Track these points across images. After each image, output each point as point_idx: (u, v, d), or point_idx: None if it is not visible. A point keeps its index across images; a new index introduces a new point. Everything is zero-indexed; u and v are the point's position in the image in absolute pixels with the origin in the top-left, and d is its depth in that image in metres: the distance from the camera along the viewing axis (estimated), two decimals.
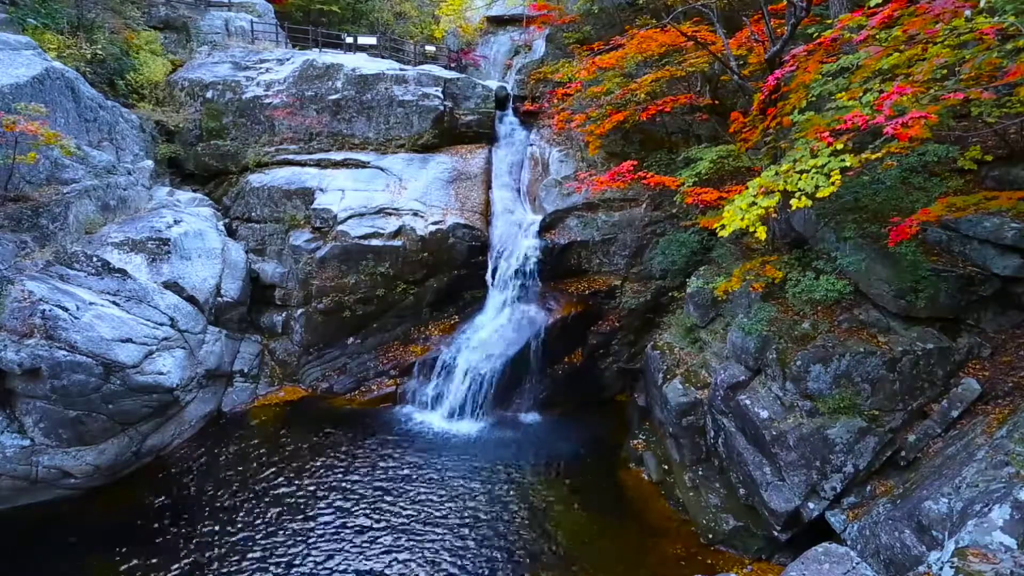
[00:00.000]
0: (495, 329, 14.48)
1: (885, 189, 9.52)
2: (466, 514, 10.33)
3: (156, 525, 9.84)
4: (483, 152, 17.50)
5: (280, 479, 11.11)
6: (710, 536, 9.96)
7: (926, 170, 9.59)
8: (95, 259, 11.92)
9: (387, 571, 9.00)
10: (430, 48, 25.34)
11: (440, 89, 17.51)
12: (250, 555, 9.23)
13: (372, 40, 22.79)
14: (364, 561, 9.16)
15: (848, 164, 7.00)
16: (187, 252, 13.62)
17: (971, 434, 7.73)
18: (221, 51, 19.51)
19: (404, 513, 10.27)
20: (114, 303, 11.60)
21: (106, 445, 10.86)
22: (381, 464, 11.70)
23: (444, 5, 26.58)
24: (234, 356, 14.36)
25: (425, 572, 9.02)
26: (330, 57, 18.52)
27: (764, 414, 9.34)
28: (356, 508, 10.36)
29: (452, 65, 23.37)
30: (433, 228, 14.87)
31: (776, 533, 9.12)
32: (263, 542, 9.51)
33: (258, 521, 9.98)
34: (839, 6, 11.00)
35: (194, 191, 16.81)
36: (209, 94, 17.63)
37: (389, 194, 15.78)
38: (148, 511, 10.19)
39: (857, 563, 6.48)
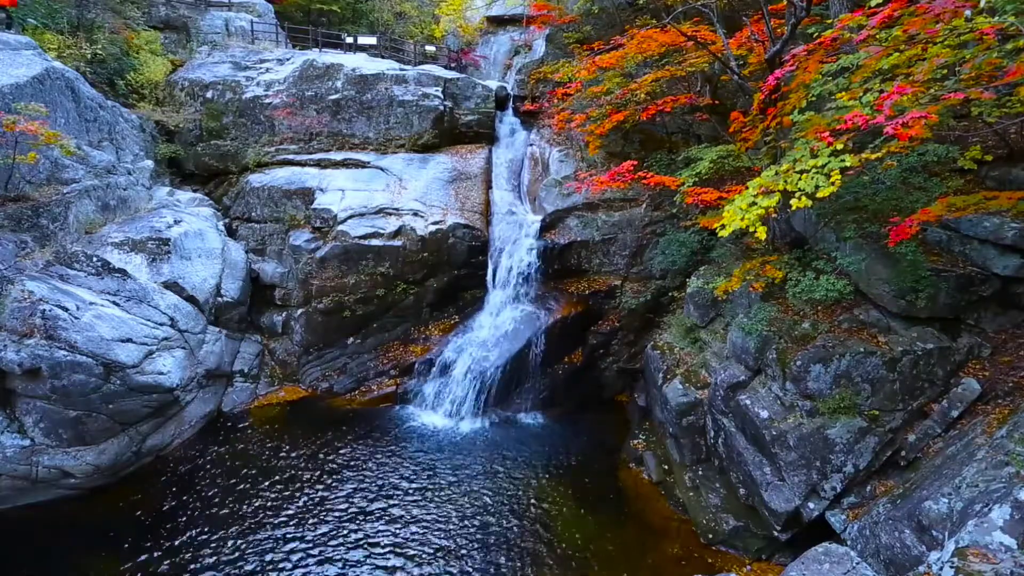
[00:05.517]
0: (495, 329, 14.48)
1: (885, 189, 9.53)
2: (465, 514, 10.33)
3: (156, 525, 9.83)
4: (483, 152, 17.51)
5: (280, 479, 11.11)
6: (710, 536, 9.96)
7: (926, 170, 9.59)
8: (95, 259, 11.92)
9: (386, 572, 9.00)
10: (430, 48, 25.33)
11: (440, 89, 17.52)
12: (250, 555, 9.23)
13: (372, 40, 22.80)
14: (363, 562, 9.16)
15: (848, 164, 7.02)
16: (187, 252, 13.62)
17: (971, 434, 7.73)
18: (221, 51, 19.54)
19: (403, 513, 10.27)
20: (114, 303, 11.60)
21: (106, 445, 10.86)
22: (381, 464, 11.70)
23: (444, 5, 26.63)
24: (234, 356, 14.35)
25: (424, 572, 9.02)
26: (330, 57, 18.53)
27: (764, 414, 9.34)
28: (355, 508, 10.36)
29: (452, 65, 23.36)
30: (433, 228, 14.87)
31: (776, 533, 9.12)
32: (263, 542, 9.50)
33: (258, 521, 9.98)
34: (839, 6, 11.02)
35: (194, 191, 16.82)
36: (209, 94, 17.65)
37: (389, 194, 15.78)
38: (148, 511, 10.18)
39: (857, 563, 6.50)
